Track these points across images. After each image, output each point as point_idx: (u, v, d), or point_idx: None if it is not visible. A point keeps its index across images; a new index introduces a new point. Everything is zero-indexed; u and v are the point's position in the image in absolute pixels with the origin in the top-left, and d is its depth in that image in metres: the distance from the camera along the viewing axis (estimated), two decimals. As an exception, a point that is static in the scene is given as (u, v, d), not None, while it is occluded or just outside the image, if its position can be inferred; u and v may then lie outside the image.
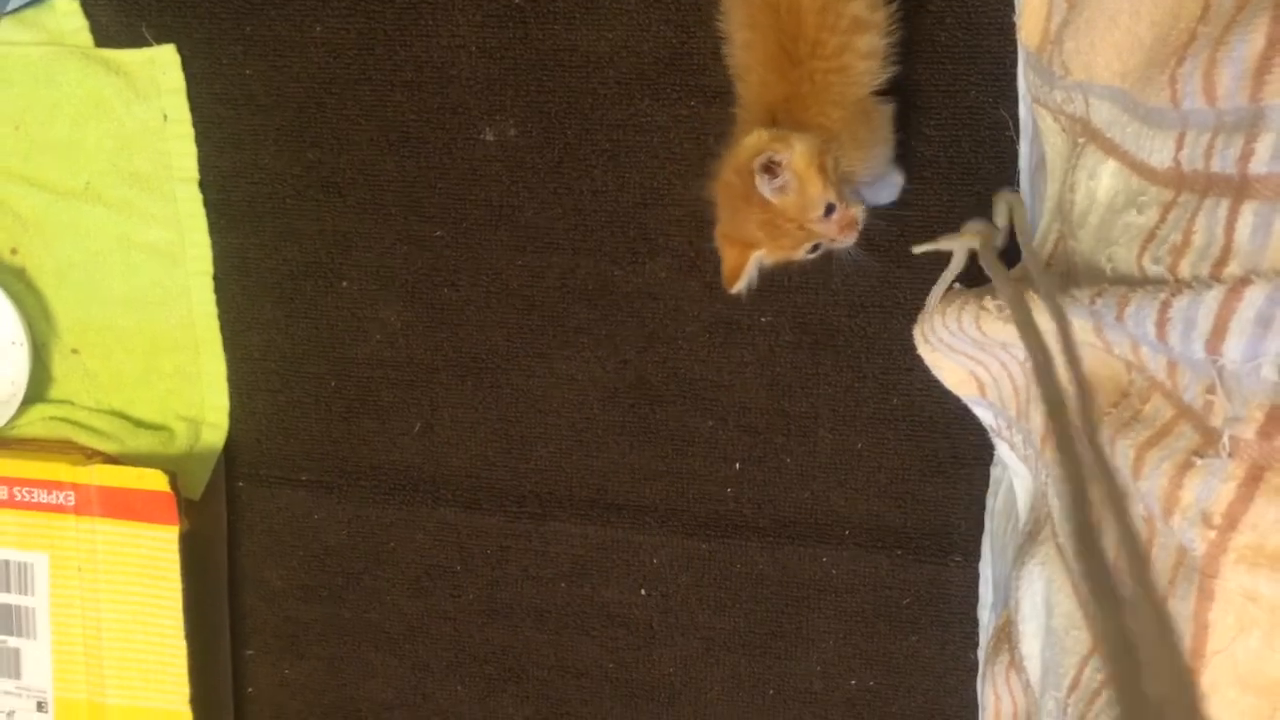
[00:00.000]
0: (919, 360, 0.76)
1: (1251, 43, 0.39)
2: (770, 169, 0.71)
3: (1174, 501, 0.43)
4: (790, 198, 0.72)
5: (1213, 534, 0.42)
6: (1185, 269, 0.43)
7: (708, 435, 0.97)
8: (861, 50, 0.75)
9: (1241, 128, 0.40)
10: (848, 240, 0.76)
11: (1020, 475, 0.73)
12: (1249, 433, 0.41)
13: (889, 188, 0.87)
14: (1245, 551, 0.41)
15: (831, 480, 0.95)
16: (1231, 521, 0.41)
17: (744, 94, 0.79)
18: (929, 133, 0.87)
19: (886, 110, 0.80)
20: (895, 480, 0.94)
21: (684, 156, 0.93)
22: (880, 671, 0.97)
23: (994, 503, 0.88)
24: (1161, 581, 0.45)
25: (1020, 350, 0.64)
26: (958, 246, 0.73)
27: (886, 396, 0.93)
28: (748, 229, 0.75)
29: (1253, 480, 0.41)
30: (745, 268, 0.76)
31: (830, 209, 0.73)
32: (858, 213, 0.75)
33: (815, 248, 0.76)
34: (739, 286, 0.78)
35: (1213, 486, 0.42)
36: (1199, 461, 0.42)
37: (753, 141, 0.72)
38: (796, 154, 0.72)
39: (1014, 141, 0.85)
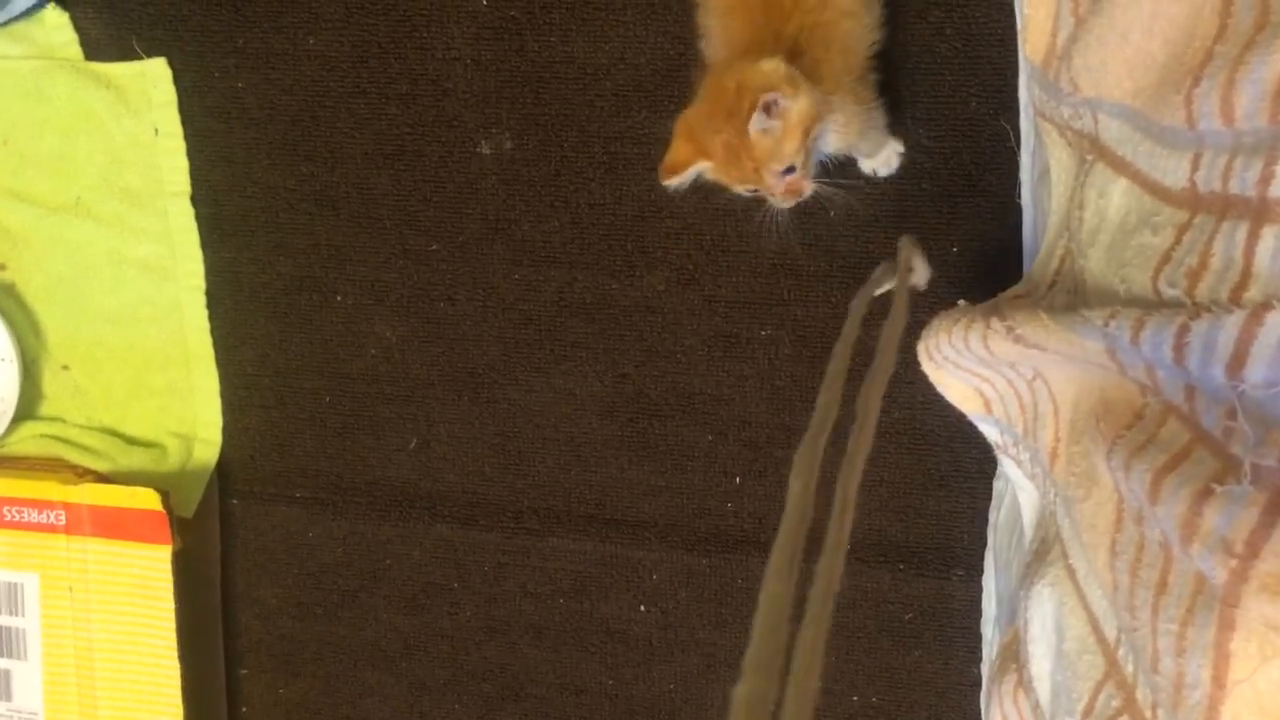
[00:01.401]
0: (919, 373, 0.76)
1: (1272, 64, 0.39)
2: (769, 109, 0.71)
3: (1193, 529, 0.42)
4: (768, 142, 0.72)
5: (1234, 562, 0.41)
6: (1203, 292, 0.42)
7: (707, 449, 0.96)
8: (843, 8, 0.75)
9: (1261, 150, 0.40)
10: (784, 204, 0.77)
11: (1026, 491, 0.72)
12: (1270, 459, 0.40)
13: (889, 157, 0.86)
14: (1268, 580, 0.40)
15: (826, 497, 0.94)
16: (1253, 549, 0.40)
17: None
18: (929, 144, 0.87)
19: (872, 78, 0.80)
20: (897, 494, 0.93)
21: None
22: (883, 687, 0.96)
23: (997, 517, 0.87)
24: (1179, 609, 0.44)
25: (1027, 368, 0.63)
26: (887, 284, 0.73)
27: (887, 410, 0.92)
28: (711, 140, 0.74)
29: (1275, 507, 0.40)
30: (688, 169, 0.76)
31: (790, 170, 0.74)
32: (808, 187, 0.76)
33: (755, 191, 0.77)
34: (672, 184, 0.77)
35: (1233, 514, 0.41)
36: (1218, 489, 0.41)
37: (769, 68, 0.71)
38: (797, 106, 0.72)
39: (1015, 152, 0.84)
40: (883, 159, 0.86)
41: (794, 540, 0.46)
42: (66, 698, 1.03)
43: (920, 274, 0.75)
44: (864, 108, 0.79)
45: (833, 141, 0.78)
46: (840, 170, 0.83)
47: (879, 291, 0.71)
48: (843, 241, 0.90)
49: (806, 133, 0.73)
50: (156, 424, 1.06)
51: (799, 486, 0.48)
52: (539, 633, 1.03)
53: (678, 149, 0.76)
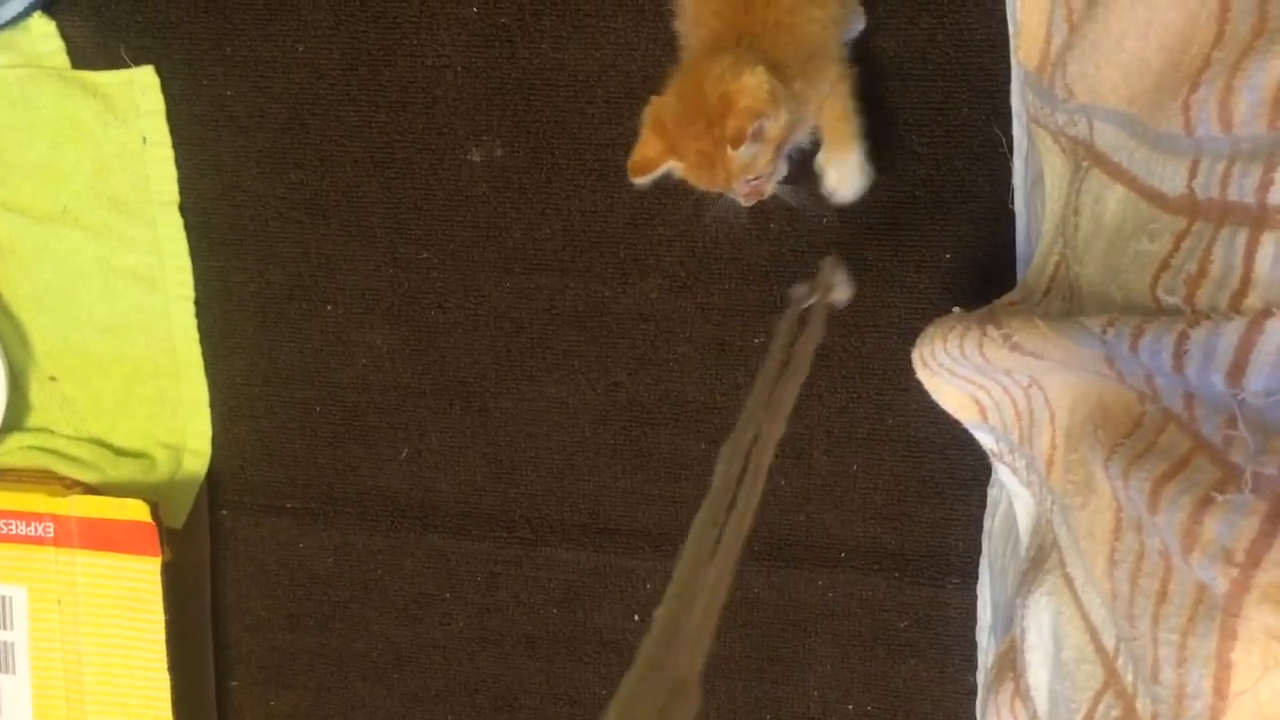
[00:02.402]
0: (914, 380, 0.75)
1: (1270, 70, 0.38)
2: (757, 135, 0.71)
3: (1193, 538, 0.42)
4: (746, 159, 0.72)
5: (1235, 571, 0.40)
6: (1202, 300, 0.42)
7: (701, 458, 0.96)
8: (812, 15, 0.74)
9: (1260, 156, 0.39)
10: (745, 203, 0.78)
11: (1022, 499, 0.72)
12: (1271, 468, 0.40)
13: (854, 177, 0.82)
14: (1269, 589, 0.40)
15: (827, 502, 0.94)
16: (1254, 559, 0.40)
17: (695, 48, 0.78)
18: (921, 151, 0.87)
19: (846, 73, 0.78)
20: (891, 502, 0.93)
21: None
22: (878, 696, 0.96)
23: (992, 524, 0.87)
24: (1180, 619, 0.44)
25: (1023, 375, 0.63)
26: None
27: (881, 417, 0.92)
28: (685, 144, 0.74)
29: (1276, 516, 0.40)
30: (657, 168, 0.75)
31: (756, 178, 0.74)
32: (770, 189, 0.77)
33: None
34: (642, 182, 0.76)
35: (1234, 523, 0.40)
36: (1219, 498, 0.41)
37: (754, 85, 0.70)
38: (777, 124, 0.72)
39: (1008, 159, 0.84)
40: (848, 176, 0.81)
41: (715, 511, 0.56)
42: (55, 711, 1.02)
43: (842, 291, 0.76)
44: (833, 89, 0.78)
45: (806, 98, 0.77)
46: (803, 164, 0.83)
47: (803, 306, 0.73)
48: (835, 249, 0.90)
49: (781, 146, 0.73)
50: (145, 434, 1.05)
51: (722, 470, 0.58)
52: (532, 643, 1.02)
53: (649, 144, 0.75)
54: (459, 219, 0.96)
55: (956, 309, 0.69)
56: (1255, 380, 0.39)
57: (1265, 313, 0.39)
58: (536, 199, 0.94)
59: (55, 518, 0.99)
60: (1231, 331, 0.40)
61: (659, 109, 0.76)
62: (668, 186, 0.92)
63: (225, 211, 1.00)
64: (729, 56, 0.72)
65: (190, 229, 1.01)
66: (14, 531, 1.00)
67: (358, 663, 1.06)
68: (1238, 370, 0.40)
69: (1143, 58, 0.48)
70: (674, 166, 0.76)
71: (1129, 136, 0.51)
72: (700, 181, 0.76)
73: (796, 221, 0.90)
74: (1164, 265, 0.45)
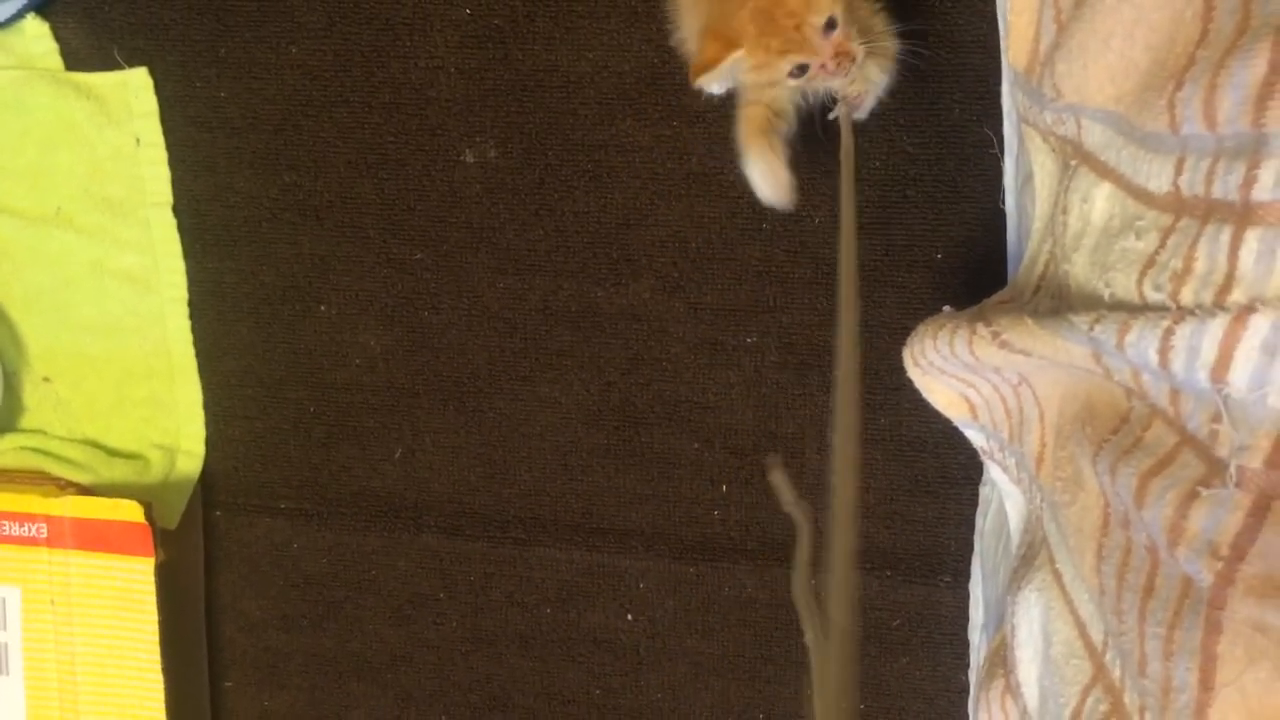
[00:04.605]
0: (905, 380, 0.76)
1: (1254, 68, 0.39)
2: None
3: (1179, 532, 0.42)
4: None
5: (1220, 565, 0.41)
6: (1187, 296, 0.42)
7: (694, 457, 0.96)
8: None
9: (1243, 154, 0.40)
10: (837, 74, 0.70)
11: (1012, 497, 0.72)
12: (1256, 462, 0.40)
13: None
14: (1253, 582, 0.40)
15: (820, 502, 0.94)
16: (1239, 552, 0.40)
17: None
18: (912, 151, 0.87)
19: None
20: (883, 501, 0.93)
21: (666, 177, 0.92)
22: (871, 694, 0.96)
23: (983, 522, 0.87)
24: (1166, 613, 0.44)
25: (1013, 373, 0.63)
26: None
27: (874, 416, 0.92)
28: (738, 19, 0.69)
29: (1260, 510, 0.40)
30: (722, 64, 0.70)
31: (832, 25, 0.68)
32: (858, 49, 0.70)
33: (801, 72, 0.70)
34: (705, 81, 0.71)
35: (1219, 517, 0.41)
36: (1204, 492, 0.41)
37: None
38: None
39: (998, 159, 0.85)
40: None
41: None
42: (49, 712, 1.02)
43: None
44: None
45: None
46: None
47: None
48: (827, 248, 0.90)
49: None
50: (139, 435, 1.05)
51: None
52: (526, 642, 1.03)
53: (707, 48, 0.70)
54: (452, 220, 0.96)
55: (947, 308, 0.69)
56: (1239, 375, 0.40)
57: (1249, 308, 0.39)
58: (529, 200, 0.95)
59: (49, 518, 0.99)
60: (1216, 327, 0.40)
61: (706, 28, 0.72)
62: (660, 189, 0.92)
63: (219, 213, 1.01)
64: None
65: (184, 230, 1.01)
66: (7, 532, 1.00)
67: (352, 663, 1.06)
68: (1222, 366, 0.40)
69: (1129, 57, 0.49)
70: (737, 58, 0.70)
71: (1116, 135, 0.52)
72: (771, 50, 0.69)
73: (789, 222, 0.90)
74: (1150, 262, 0.45)
